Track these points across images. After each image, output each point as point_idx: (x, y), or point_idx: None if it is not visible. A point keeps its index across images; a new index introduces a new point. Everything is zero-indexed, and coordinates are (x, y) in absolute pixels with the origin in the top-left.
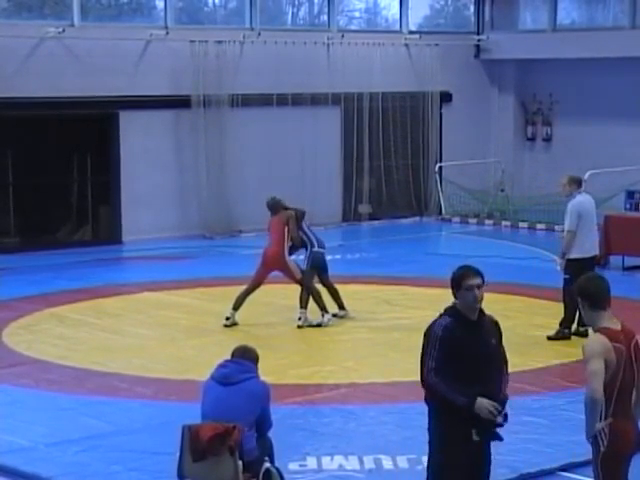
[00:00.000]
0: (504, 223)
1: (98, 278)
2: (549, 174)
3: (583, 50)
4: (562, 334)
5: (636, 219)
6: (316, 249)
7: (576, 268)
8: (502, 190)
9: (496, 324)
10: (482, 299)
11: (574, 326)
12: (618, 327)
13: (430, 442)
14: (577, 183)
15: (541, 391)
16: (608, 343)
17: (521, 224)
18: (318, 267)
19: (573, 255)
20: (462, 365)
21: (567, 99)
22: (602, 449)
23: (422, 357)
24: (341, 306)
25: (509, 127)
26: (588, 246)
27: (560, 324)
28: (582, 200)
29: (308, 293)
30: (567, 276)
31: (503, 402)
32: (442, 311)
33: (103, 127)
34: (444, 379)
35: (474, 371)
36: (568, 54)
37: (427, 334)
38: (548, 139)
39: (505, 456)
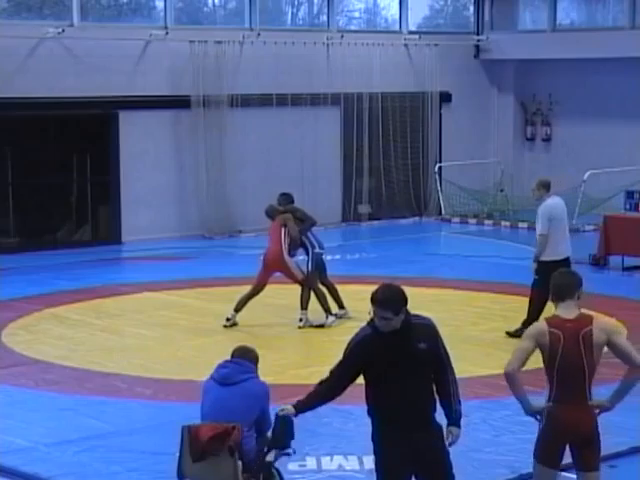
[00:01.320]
0: (503, 223)
1: (98, 278)
2: (548, 174)
3: (583, 50)
4: (521, 332)
5: (636, 219)
6: (317, 250)
7: (548, 270)
8: (501, 190)
9: (428, 327)
10: (395, 327)
11: None
12: (570, 316)
13: None
14: (546, 187)
15: (541, 391)
16: (544, 328)
17: (520, 224)
18: (319, 268)
19: (546, 258)
20: (377, 373)
21: (566, 99)
22: (540, 427)
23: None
24: (341, 305)
25: (508, 127)
26: (561, 249)
27: (523, 323)
28: (552, 203)
29: (309, 294)
30: (536, 277)
31: (449, 405)
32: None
33: (103, 127)
34: (327, 383)
35: (393, 378)
36: (568, 54)
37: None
38: (547, 139)
39: (505, 456)
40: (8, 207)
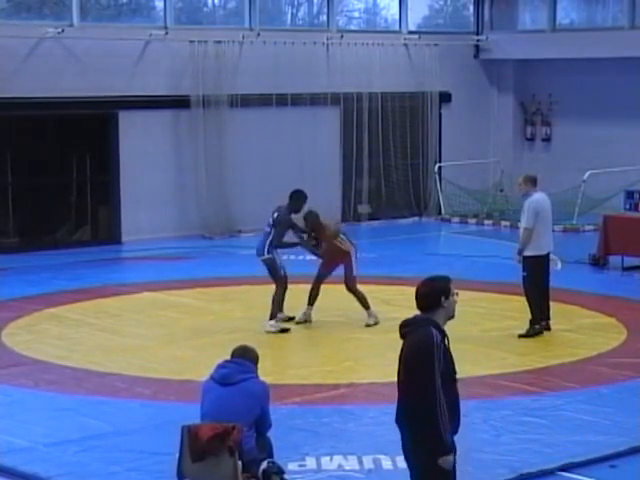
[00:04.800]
0: (503, 223)
1: (97, 278)
2: (548, 174)
3: (582, 50)
4: (533, 331)
5: (635, 219)
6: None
7: (532, 265)
8: (501, 190)
9: None
10: None
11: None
12: None
13: (422, 454)
14: (532, 182)
15: (540, 391)
16: None
17: (520, 224)
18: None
19: (529, 252)
20: (445, 380)
21: (566, 99)
22: None
23: (420, 372)
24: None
25: (508, 127)
26: (544, 244)
27: (530, 322)
28: (539, 198)
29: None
30: (524, 273)
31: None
32: (419, 324)
33: (102, 127)
34: (441, 400)
35: (451, 384)
36: (567, 54)
37: (421, 347)
38: (547, 139)
39: (504, 456)
40: (8, 207)
